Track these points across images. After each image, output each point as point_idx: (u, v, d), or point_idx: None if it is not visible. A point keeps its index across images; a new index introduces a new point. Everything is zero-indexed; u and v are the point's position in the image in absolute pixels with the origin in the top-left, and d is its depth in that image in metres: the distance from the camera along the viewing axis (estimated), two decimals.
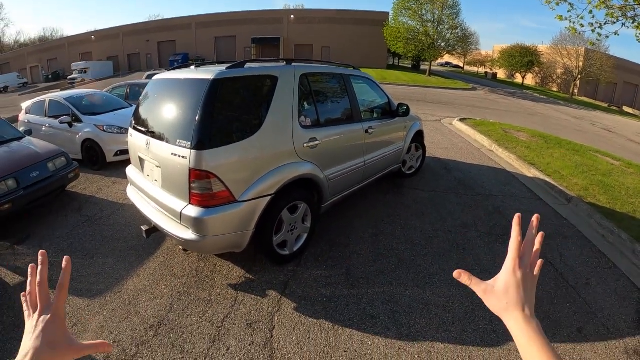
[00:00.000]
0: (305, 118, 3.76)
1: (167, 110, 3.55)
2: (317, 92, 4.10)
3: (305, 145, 3.64)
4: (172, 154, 3.11)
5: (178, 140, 3.06)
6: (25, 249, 4.32)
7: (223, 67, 3.27)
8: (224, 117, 3.12)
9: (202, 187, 2.99)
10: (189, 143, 2.95)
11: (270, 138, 3.33)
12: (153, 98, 3.85)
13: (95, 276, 3.69)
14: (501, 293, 0.76)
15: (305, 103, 3.87)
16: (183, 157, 2.99)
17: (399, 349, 2.78)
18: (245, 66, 3.40)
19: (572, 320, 3.16)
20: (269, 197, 3.30)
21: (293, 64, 3.81)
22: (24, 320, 2.45)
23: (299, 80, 3.70)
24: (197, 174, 2.95)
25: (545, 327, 2.93)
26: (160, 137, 3.35)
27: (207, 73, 3.15)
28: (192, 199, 3.06)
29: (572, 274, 3.85)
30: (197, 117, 2.96)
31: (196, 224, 3.01)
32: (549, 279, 3.72)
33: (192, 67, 3.74)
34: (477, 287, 0.79)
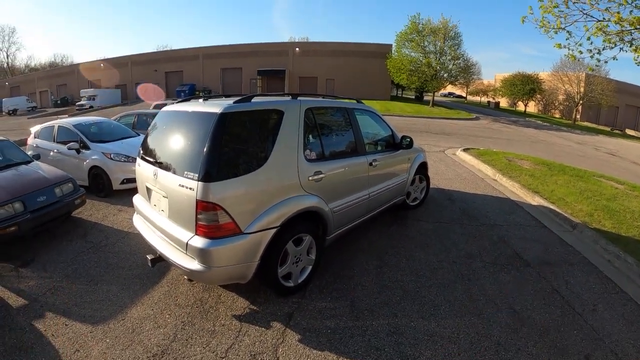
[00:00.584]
0: (310, 151, 3.83)
1: (175, 141, 3.64)
2: (321, 125, 4.18)
3: (310, 178, 3.69)
4: (180, 185, 3.17)
5: (185, 172, 3.13)
6: (29, 272, 4.33)
7: (230, 101, 3.37)
8: (231, 150, 3.19)
9: (208, 218, 3.03)
10: (197, 175, 3.01)
11: (276, 171, 3.39)
12: (161, 129, 3.95)
13: (99, 303, 3.69)
14: None
15: (311, 136, 3.94)
16: (190, 188, 3.05)
17: None
18: (252, 100, 3.49)
19: (580, 347, 3.13)
20: (274, 230, 3.34)
21: (298, 99, 3.91)
22: (25, 343, 2.46)
23: (304, 114, 3.78)
24: (203, 206, 3.00)
25: (552, 355, 2.92)
26: (167, 168, 3.42)
27: (215, 107, 3.25)
28: (198, 230, 3.10)
29: (579, 300, 3.83)
30: (204, 150, 3.03)
31: (202, 254, 3.04)
32: (554, 306, 3.70)
33: (200, 100, 3.84)
34: None
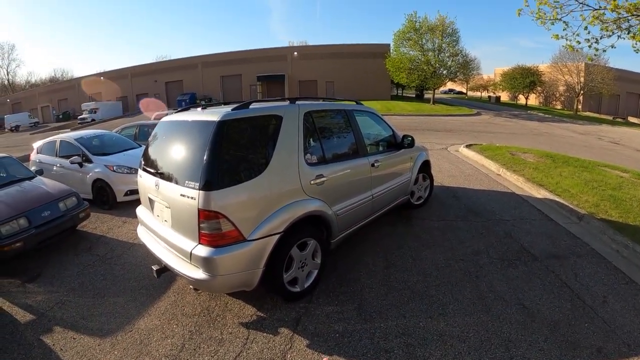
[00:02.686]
0: (311, 155, 3.82)
1: (175, 151, 3.64)
2: (321, 128, 4.17)
3: (312, 182, 3.69)
4: (181, 194, 3.17)
5: (186, 181, 3.13)
6: (36, 287, 4.35)
7: (229, 108, 3.37)
8: (231, 157, 3.19)
9: (211, 227, 3.03)
10: (197, 184, 3.01)
11: (277, 176, 3.38)
12: (161, 139, 3.95)
13: (106, 315, 3.70)
14: None
15: (311, 140, 3.94)
16: (192, 197, 3.05)
17: None
18: (251, 106, 3.49)
19: (592, 340, 3.10)
20: (278, 235, 3.33)
21: (297, 103, 3.91)
22: (34, 358, 2.43)
23: (304, 118, 3.77)
24: (206, 215, 3.00)
25: (564, 350, 2.89)
26: (169, 178, 3.43)
27: (213, 115, 3.25)
28: (201, 239, 3.10)
29: (588, 292, 3.79)
30: (204, 158, 3.03)
31: (206, 263, 3.04)
32: (564, 300, 3.66)
33: (199, 109, 3.84)
34: None
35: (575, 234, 5.22)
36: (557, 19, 5.96)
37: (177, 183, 3.28)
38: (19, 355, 3.17)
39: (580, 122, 29.37)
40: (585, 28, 5.86)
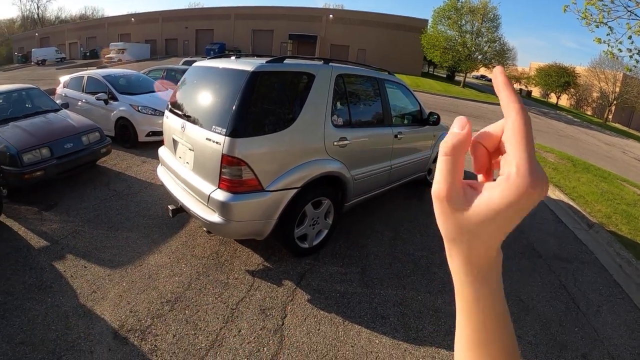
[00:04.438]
0: (337, 117, 3.83)
1: (205, 96, 3.69)
2: (351, 93, 4.16)
3: (335, 143, 3.72)
4: (207, 138, 3.23)
5: (214, 126, 3.18)
6: (52, 216, 4.51)
7: (263, 61, 3.38)
8: (259, 108, 3.23)
9: (232, 173, 3.10)
10: (224, 130, 3.06)
11: (302, 133, 3.42)
12: (192, 84, 3.99)
13: (118, 248, 3.85)
14: (475, 219, 0.37)
15: (339, 103, 3.94)
16: (217, 142, 3.11)
17: (405, 350, 2.84)
18: (284, 62, 3.50)
19: (579, 345, 3.15)
20: (295, 190, 3.39)
21: (330, 64, 3.89)
22: (45, 282, 2.52)
23: (335, 80, 3.77)
24: (229, 160, 3.07)
25: (550, 348, 2.95)
26: (196, 122, 3.48)
27: (247, 65, 3.27)
28: (221, 184, 3.18)
29: (584, 299, 3.82)
30: (234, 106, 3.08)
31: (223, 207, 3.13)
32: (560, 301, 3.71)
33: (232, 58, 3.85)
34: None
35: (582, 241, 5.21)
36: (603, 22, 5.77)
37: (203, 127, 3.34)
38: (30, 278, 3.32)
39: (607, 132, 28.48)
40: (629, 37, 5.70)
